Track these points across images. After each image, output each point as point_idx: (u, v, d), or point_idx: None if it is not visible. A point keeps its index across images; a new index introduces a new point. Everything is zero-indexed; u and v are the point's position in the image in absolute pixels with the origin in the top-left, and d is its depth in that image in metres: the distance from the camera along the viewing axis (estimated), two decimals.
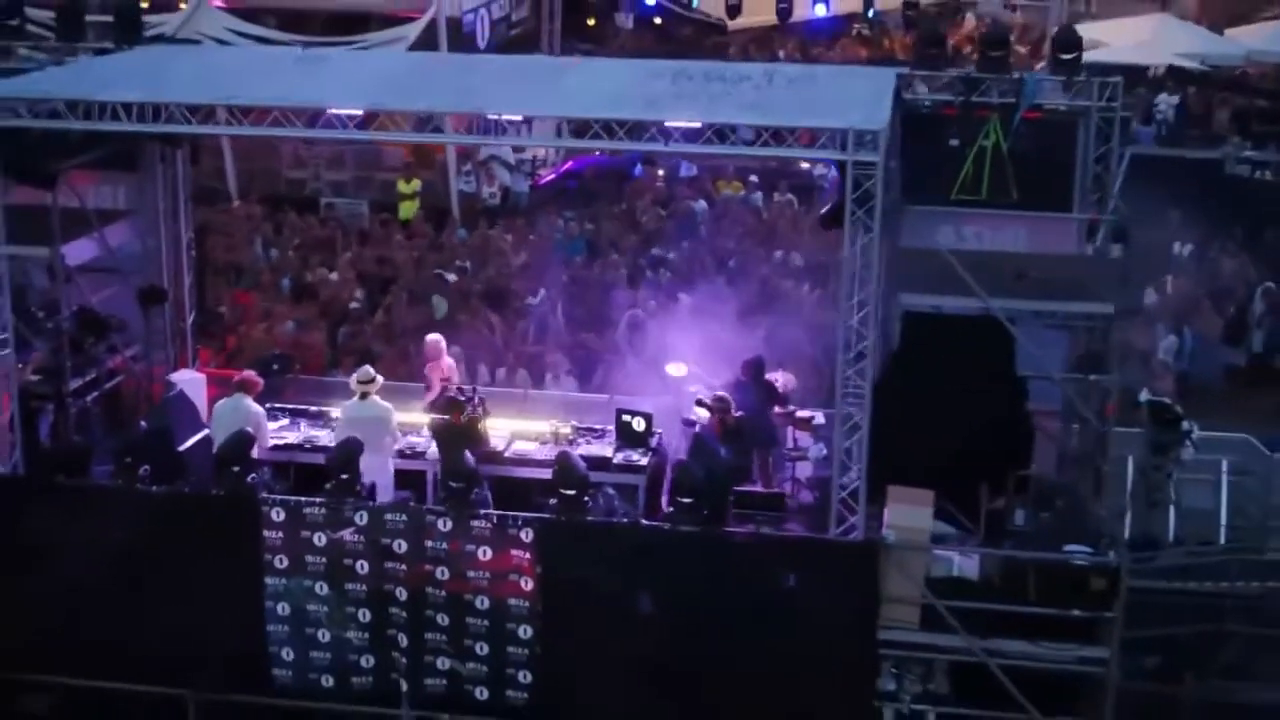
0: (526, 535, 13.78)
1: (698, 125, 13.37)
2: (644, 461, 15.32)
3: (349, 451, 14.11)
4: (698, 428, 15.05)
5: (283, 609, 14.27)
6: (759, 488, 14.75)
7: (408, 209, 26.74)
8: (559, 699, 14.12)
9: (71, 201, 16.39)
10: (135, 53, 17.09)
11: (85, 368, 16.73)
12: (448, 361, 17.51)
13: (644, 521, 14.22)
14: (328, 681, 14.39)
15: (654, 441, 15.48)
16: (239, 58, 19.56)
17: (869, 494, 13.83)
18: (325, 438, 16.03)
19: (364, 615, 14.16)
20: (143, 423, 15.64)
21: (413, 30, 26.15)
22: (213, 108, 13.76)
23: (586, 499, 13.76)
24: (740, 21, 32.99)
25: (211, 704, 14.64)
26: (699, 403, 15.26)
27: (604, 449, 15.40)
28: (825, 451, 15.60)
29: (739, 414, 14.90)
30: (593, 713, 14.16)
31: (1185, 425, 17.38)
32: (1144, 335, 21.30)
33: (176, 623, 14.40)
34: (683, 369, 16.40)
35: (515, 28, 30.81)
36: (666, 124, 13.47)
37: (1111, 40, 33.02)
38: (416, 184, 26.62)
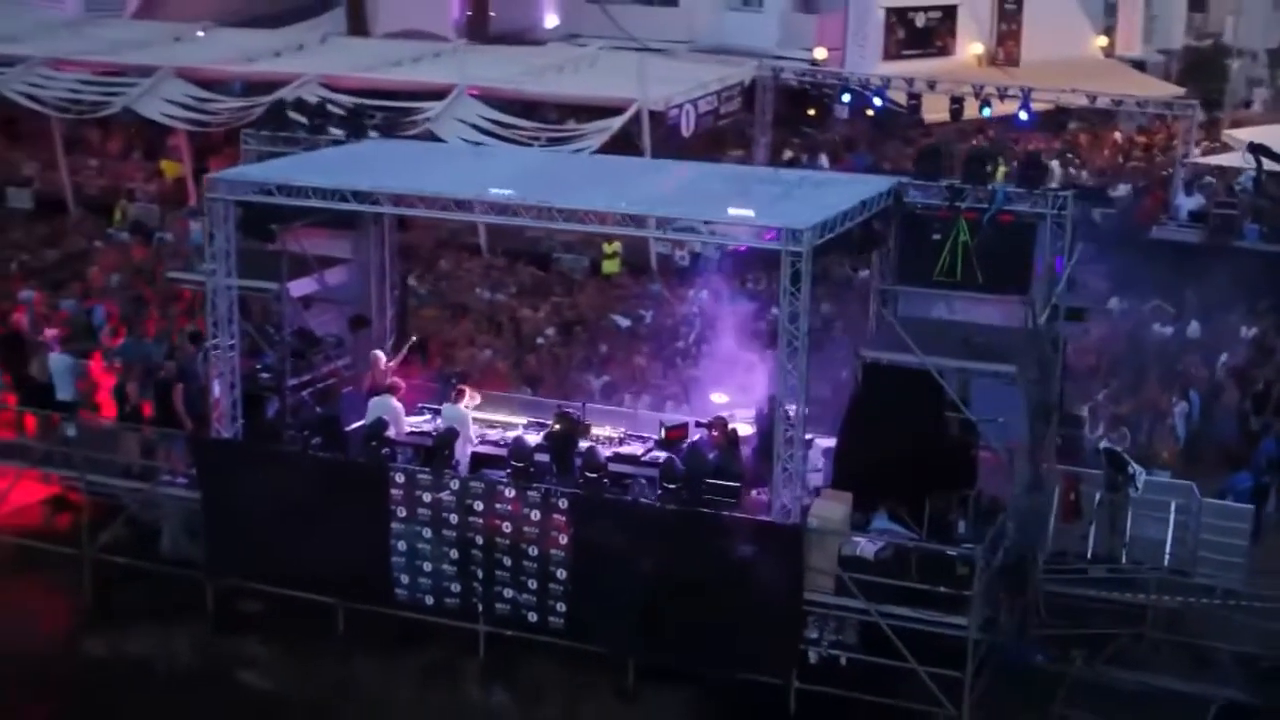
0: (563, 504, 19.02)
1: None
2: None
3: (447, 438, 19.69)
4: (696, 438, 20.02)
5: (401, 546, 19.79)
6: (735, 483, 19.47)
7: (610, 266, 32.21)
8: (583, 624, 19.21)
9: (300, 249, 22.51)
10: (357, 146, 23.15)
11: (303, 371, 22.77)
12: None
13: (640, 500, 19.31)
14: (429, 600, 19.85)
15: (682, 446, 20.48)
16: (426, 152, 25.18)
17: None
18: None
19: (453, 554, 19.56)
20: (318, 409, 21.56)
21: (616, 122, 31.82)
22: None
23: (605, 480, 18.98)
24: (936, 115, 37.30)
25: (352, 611, 20.42)
26: (698, 423, 20.29)
27: (636, 449, 20.48)
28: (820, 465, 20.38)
29: (732, 430, 19.79)
30: (606, 636, 19.18)
31: (1131, 469, 21.48)
32: (1164, 399, 25.05)
33: (333, 552, 20.11)
34: (724, 397, 21.32)
35: (723, 119, 36.03)
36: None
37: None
38: (618, 245, 32.00)
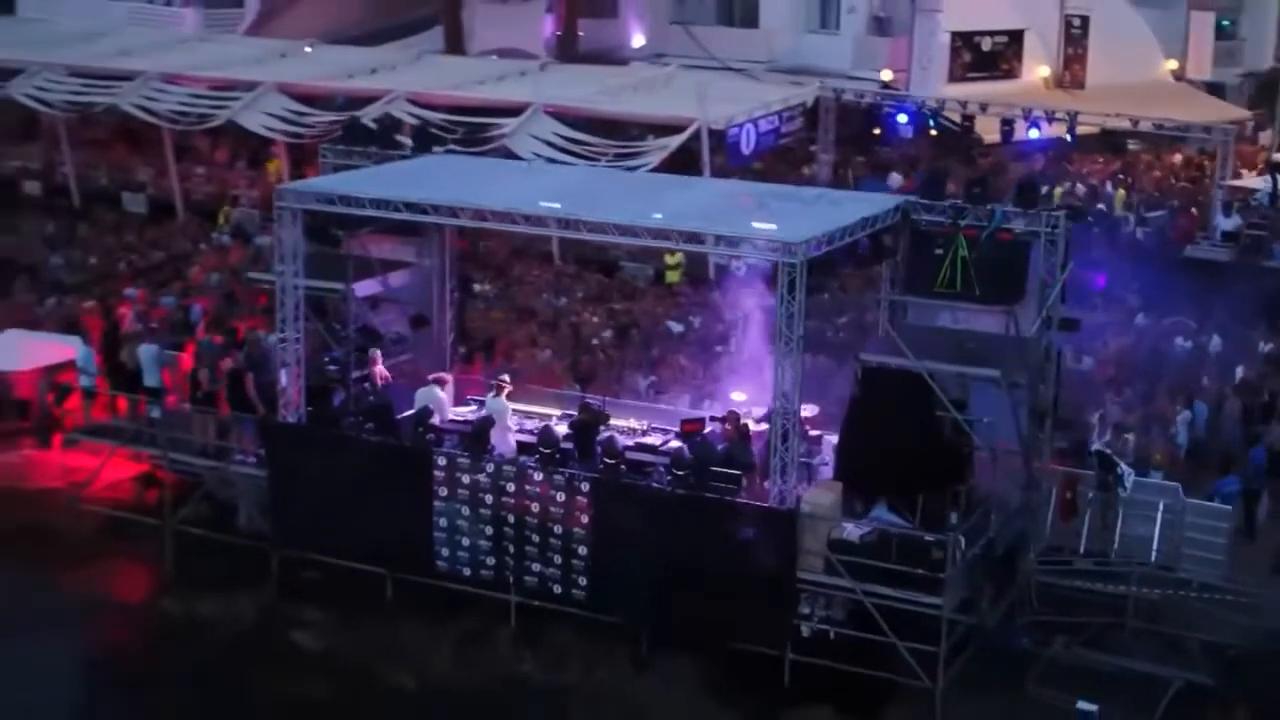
0: (584, 487, 20.92)
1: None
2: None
3: (483, 426, 21.70)
4: (708, 430, 21.82)
5: (442, 522, 21.78)
6: (737, 472, 21.20)
7: (672, 275, 34.09)
8: (602, 597, 21.05)
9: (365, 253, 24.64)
10: (422, 160, 25.25)
11: (366, 364, 24.87)
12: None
13: (652, 485, 21.17)
14: (467, 571, 21.80)
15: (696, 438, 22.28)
16: (482, 167, 27.14)
17: (850, 487, 20.56)
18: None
19: (488, 530, 21.51)
20: (370, 398, 23.67)
21: (675, 140, 33.72)
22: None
23: (623, 465, 20.89)
24: (994, 136, 38.77)
25: (399, 580, 22.47)
26: (711, 417, 22.10)
27: (656, 439, 22.32)
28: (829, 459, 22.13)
29: (744, 423, 21.57)
30: (621, 608, 21.01)
31: (1120, 470, 22.97)
32: (1170, 408, 26.40)
33: (382, 527, 22.20)
34: (743, 395, 23.09)
35: (785, 138, 37.72)
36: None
37: None
38: (680, 257, 33.84)
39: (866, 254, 21.81)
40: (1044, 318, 21.55)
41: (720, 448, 21.16)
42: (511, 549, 21.46)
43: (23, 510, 25.64)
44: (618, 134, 35.78)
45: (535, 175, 24.83)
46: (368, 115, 36.65)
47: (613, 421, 22.56)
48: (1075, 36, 45.73)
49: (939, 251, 21.82)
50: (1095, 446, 23.48)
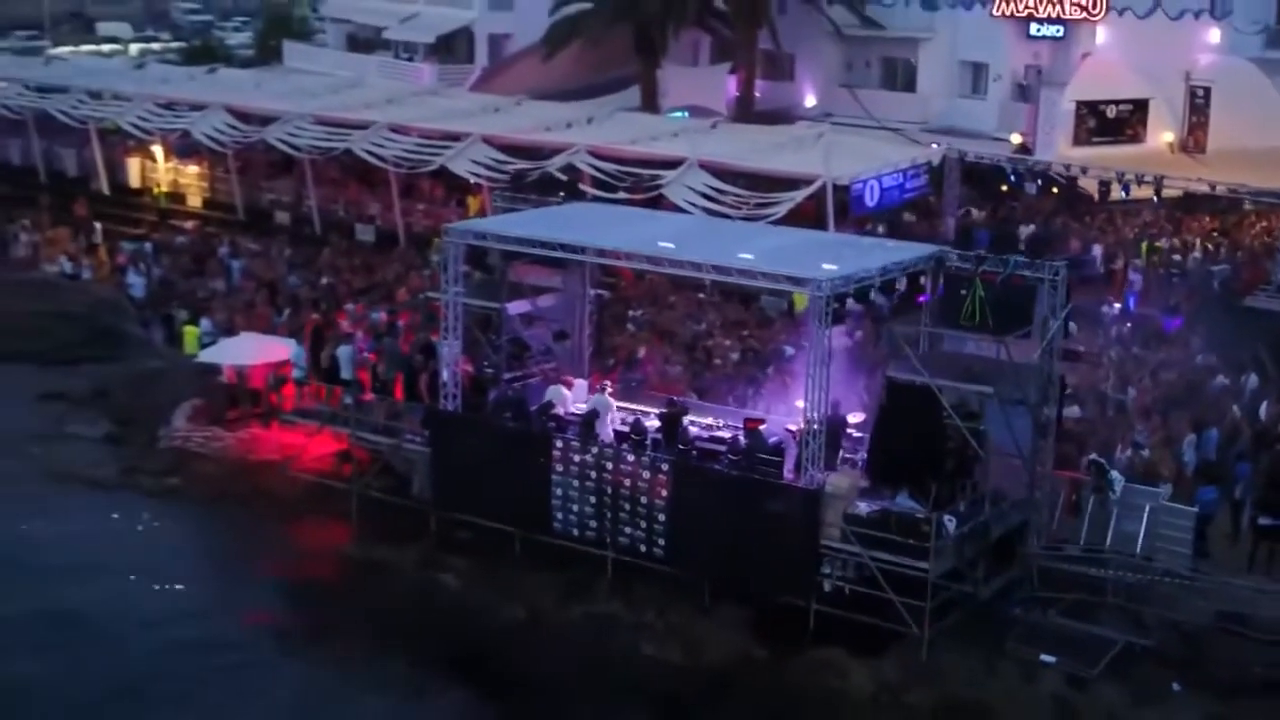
0: (664, 467, 26.22)
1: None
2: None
3: (589, 417, 27.20)
4: (763, 426, 26.90)
5: (558, 492, 27.24)
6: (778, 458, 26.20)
7: (800, 304, 39.05)
8: (676, 555, 26.23)
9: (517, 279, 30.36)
10: (569, 207, 30.98)
11: (516, 368, 30.53)
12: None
13: (714, 467, 26.36)
14: (575, 531, 27.27)
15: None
16: (614, 213, 32.62)
17: (877, 478, 25.57)
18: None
19: (591, 500, 26.93)
20: (509, 392, 29.31)
21: (801, 194, 38.79)
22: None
23: (694, 451, 26.18)
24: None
25: (525, 538, 28.00)
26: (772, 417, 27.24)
27: (726, 434, 27.44)
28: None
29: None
30: (689, 564, 26.19)
31: (1111, 477, 27.34)
32: (1182, 431, 30.47)
33: (514, 495, 27.84)
34: (801, 403, 28.08)
35: (909, 193, 42.33)
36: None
37: None
38: None
39: (904, 292, 26.72)
40: (1045, 348, 26.17)
41: (772, 440, 26.27)
42: (609, 515, 26.81)
43: (249, 477, 31.91)
44: (762, 186, 40.96)
45: (654, 222, 30.33)
46: (553, 165, 42.83)
47: (693, 417, 27.81)
48: (1198, 105, 49.37)
49: (963, 292, 26.62)
50: (1092, 457, 27.82)
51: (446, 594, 27.73)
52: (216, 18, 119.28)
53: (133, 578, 28.24)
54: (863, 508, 24.98)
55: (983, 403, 26.09)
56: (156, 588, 27.99)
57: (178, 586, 28.08)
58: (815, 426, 25.00)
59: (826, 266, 25.64)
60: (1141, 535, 26.79)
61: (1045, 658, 24.26)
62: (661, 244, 27.32)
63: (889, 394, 26.10)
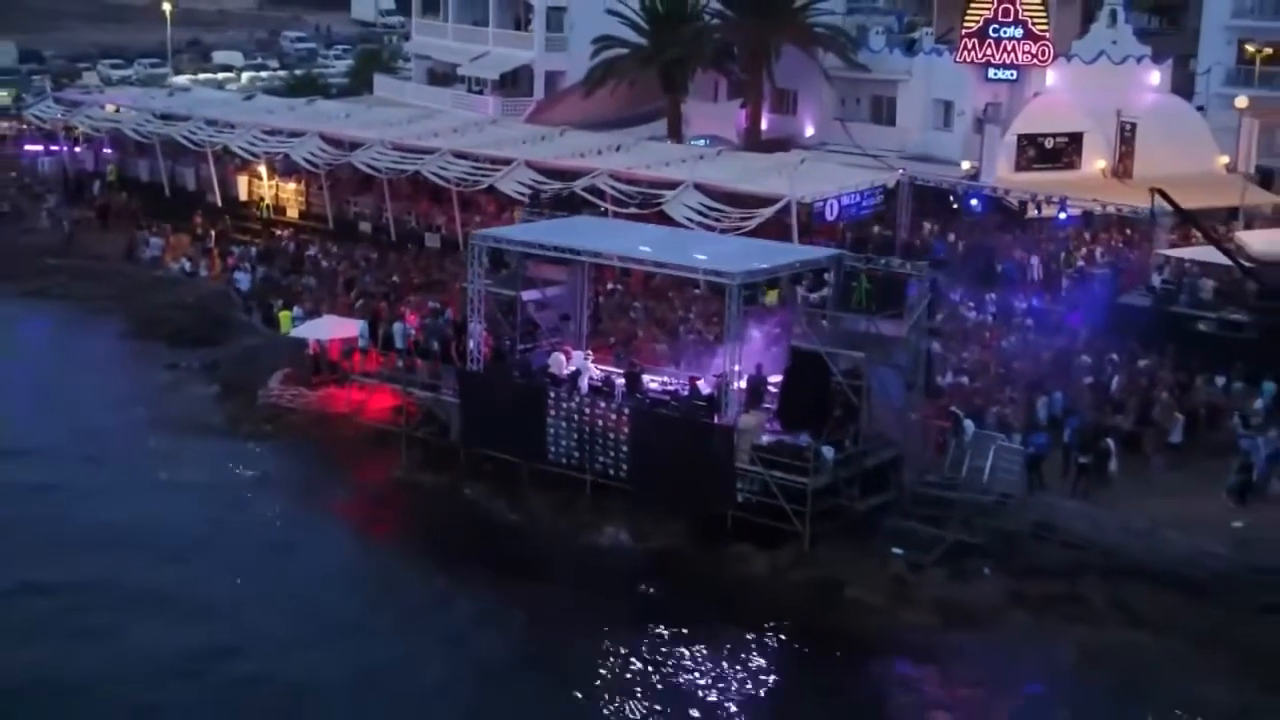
0: (626, 411, 34.53)
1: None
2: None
3: (574, 374, 35.60)
4: (700, 381, 35.14)
5: (552, 430, 35.40)
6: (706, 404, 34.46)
7: (770, 298, 46.94)
8: (635, 477, 34.46)
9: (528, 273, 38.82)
10: (571, 219, 39.44)
11: (527, 342, 38.96)
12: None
13: (660, 411, 34.62)
14: (564, 460, 35.44)
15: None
16: (602, 225, 41.27)
17: (785, 423, 33.80)
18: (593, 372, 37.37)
19: (574, 435, 35.10)
20: (518, 358, 37.74)
21: (768, 210, 46.79)
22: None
23: (647, 400, 34.52)
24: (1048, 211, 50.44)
25: (530, 467, 36.31)
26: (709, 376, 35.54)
27: (674, 387, 35.73)
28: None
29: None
30: (645, 482, 34.39)
31: (963, 424, 35.25)
32: (1037, 395, 38.25)
33: (522, 433, 36.03)
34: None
35: (865, 210, 50.01)
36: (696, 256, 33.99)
37: None
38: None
39: (811, 283, 34.96)
40: (913, 325, 34.21)
41: (706, 392, 34.58)
42: (588, 447, 35.10)
43: (326, 426, 40.69)
44: (746, 204, 49.05)
45: (636, 232, 38.78)
46: (578, 185, 51.24)
47: (650, 376, 36.20)
48: (1126, 137, 56.77)
49: (854, 284, 34.80)
50: (951, 409, 35.78)
51: (468, 506, 36.22)
52: (320, 46, 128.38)
53: (248, 495, 37.24)
54: (764, 440, 33.19)
55: (863, 366, 34.17)
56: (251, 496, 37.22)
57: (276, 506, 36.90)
58: (731, 382, 33.26)
59: (755, 265, 33.96)
60: (988, 469, 34.63)
61: (895, 550, 32.29)
62: (641, 248, 35.74)
63: (792, 359, 34.27)
